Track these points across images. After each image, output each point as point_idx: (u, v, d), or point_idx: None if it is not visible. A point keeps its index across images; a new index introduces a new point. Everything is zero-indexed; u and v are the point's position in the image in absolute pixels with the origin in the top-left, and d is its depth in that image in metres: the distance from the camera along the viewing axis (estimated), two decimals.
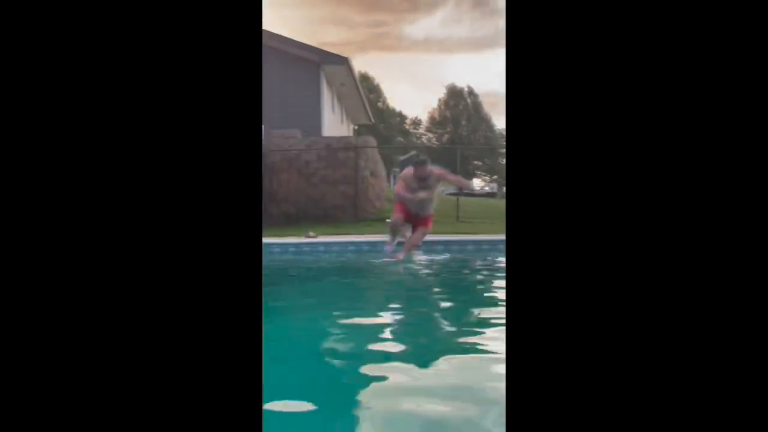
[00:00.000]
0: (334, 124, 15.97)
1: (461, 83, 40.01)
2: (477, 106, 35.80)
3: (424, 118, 41.10)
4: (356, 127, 23.73)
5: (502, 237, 8.26)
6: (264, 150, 11.59)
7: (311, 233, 8.89)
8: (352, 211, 11.52)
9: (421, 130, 39.81)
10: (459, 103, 36.11)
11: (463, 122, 35.14)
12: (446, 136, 35.22)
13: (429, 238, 6.97)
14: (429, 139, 37.84)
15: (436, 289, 4.04)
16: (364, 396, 1.44)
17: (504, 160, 36.09)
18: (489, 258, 6.21)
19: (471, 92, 36.48)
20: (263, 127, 11.51)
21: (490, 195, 30.33)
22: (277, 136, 11.74)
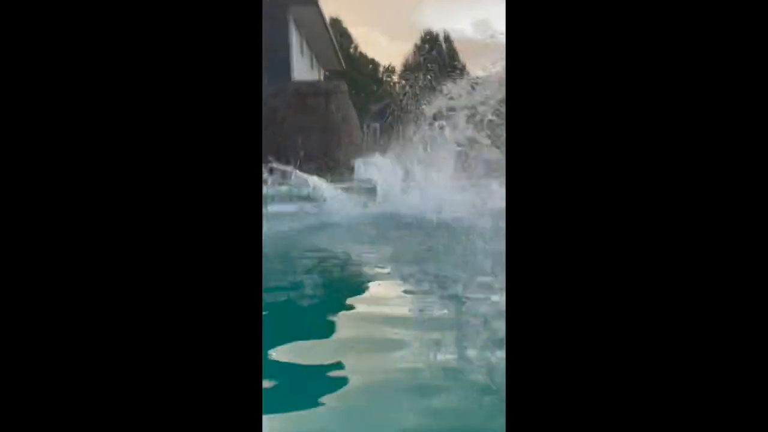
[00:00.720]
0: (303, 69, 15.25)
1: (437, 28, 39.04)
2: (453, 53, 35.00)
3: (398, 65, 40.13)
4: (326, 74, 22.88)
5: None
6: None
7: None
8: (323, 161, 11.06)
9: (395, 78, 38.95)
10: (433, 49, 35.24)
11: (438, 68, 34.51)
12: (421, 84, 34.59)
13: None
14: (403, 87, 37.16)
15: None
16: None
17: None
18: None
19: (447, 38, 35.62)
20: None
21: None
22: None
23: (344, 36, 33.18)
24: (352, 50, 33.50)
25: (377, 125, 30.59)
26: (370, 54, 45.66)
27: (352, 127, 12.04)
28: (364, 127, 25.07)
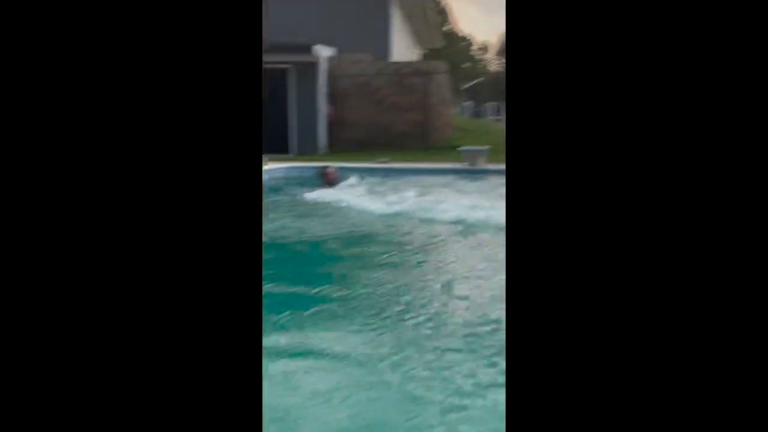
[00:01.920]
0: (402, 48, 15.56)
1: None
2: None
3: (493, 42, 39.19)
4: (424, 52, 23.01)
5: None
6: (333, 74, 11.53)
7: (383, 159, 8.96)
8: (420, 139, 11.43)
9: (489, 56, 38.14)
10: None
11: None
12: None
13: (502, 166, 6.94)
14: (495, 66, 36.24)
15: None
16: None
17: None
18: None
19: None
20: (332, 50, 11.40)
21: None
22: (345, 61, 11.61)
23: (441, 13, 32.94)
24: (447, 27, 33.21)
25: (468, 103, 30.31)
26: (466, 30, 44.87)
27: (448, 106, 12.26)
28: (457, 104, 25.02)
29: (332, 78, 11.57)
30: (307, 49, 10.80)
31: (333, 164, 6.88)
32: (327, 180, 6.10)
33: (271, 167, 8.11)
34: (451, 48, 31.16)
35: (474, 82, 32.35)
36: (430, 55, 23.59)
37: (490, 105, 30.60)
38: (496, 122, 23.10)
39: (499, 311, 2.22)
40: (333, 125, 11.52)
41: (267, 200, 5.57)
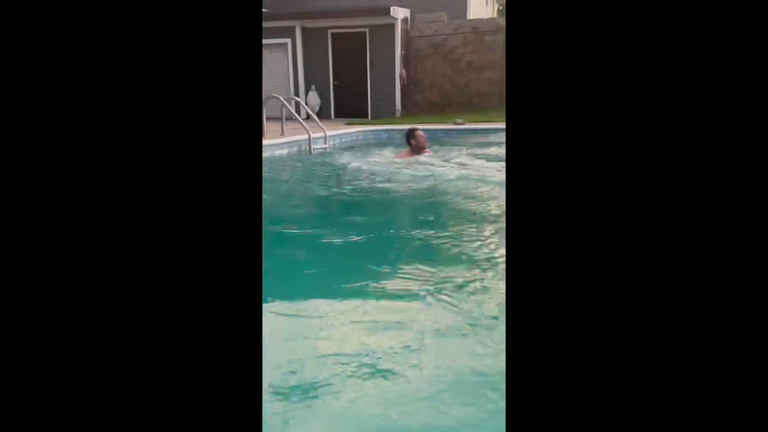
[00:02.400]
0: (478, 5, 15.13)
1: None
2: None
3: None
4: (500, 7, 22.18)
5: None
6: (408, 36, 11.49)
7: (459, 120, 8.94)
8: (497, 99, 11.24)
9: None
10: None
11: None
12: None
13: None
14: None
15: None
16: None
17: None
18: None
19: None
20: (408, 10, 11.32)
21: None
22: (421, 22, 11.51)
23: None
24: None
25: None
26: None
27: None
28: None
29: (408, 39, 11.54)
30: (384, 11, 10.81)
31: (410, 127, 6.93)
32: (417, 143, 5.80)
33: (349, 131, 8.33)
34: None
35: None
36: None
37: None
38: None
39: None
40: (406, 87, 11.55)
41: (360, 162, 5.74)
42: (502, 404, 0.75)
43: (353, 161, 5.84)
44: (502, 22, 11.60)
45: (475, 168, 5.00)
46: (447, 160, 5.42)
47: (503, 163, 5.05)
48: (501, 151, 6.34)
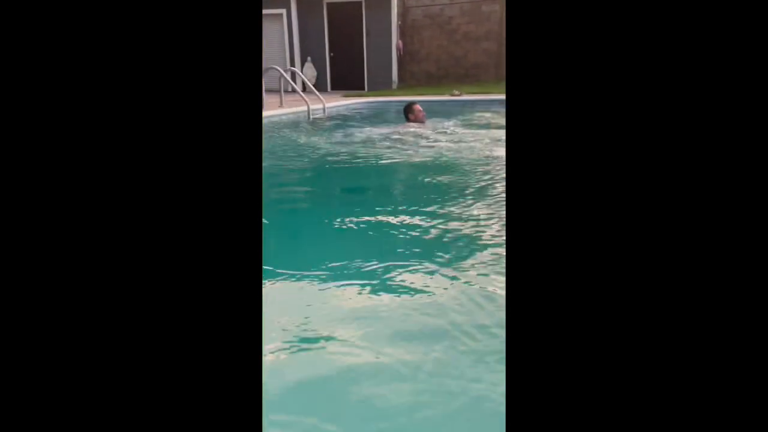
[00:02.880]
0: None
1: None
2: None
3: None
4: None
5: None
6: (405, 6, 11.38)
7: (456, 91, 8.97)
8: (494, 70, 11.23)
9: None
10: None
11: None
12: None
13: None
14: None
15: None
16: None
17: None
18: None
19: None
20: None
21: None
22: None
23: None
24: None
25: None
26: None
27: None
28: None
29: (405, 10, 11.44)
30: None
31: (406, 98, 6.93)
32: (415, 117, 5.81)
33: (347, 103, 8.36)
34: None
35: None
36: None
37: None
38: None
39: None
40: (403, 58, 11.50)
41: (363, 132, 5.78)
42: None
43: (352, 131, 5.90)
44: None
45: (470, 140, 5.09)
46: (444, 132, 5.50)
47: (502, 136, 5.14)
48: (497, 121, 6.42)
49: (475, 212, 2.91)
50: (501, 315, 1.68)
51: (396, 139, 5.25)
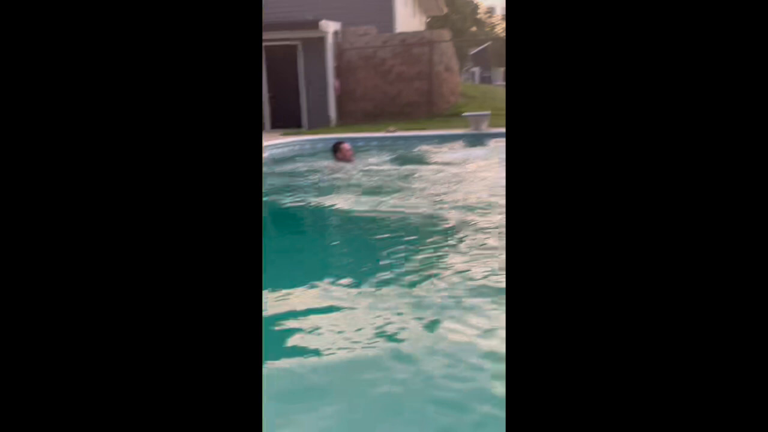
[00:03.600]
0: (406, 18, 15.75)
1: None
2: None
3: (498, 5, 38.76)
4: (428, 19, 23.03)
5: None
6: (340, 49, 11.89)
7: (391, 128, 9.41)
8: (426, 108, 11.82)
9: (495, 19, 37.70)
10: None
11: None
12: None
13: (503, 129, 7.44)
14: (503, 29, 35.92)
15: None
16: None
17: None
18: None
19: None
20: (338, 24, 11.72)
21: None
22: (351, 35, 11.94)
23: None
24: None
25: (476, 69, 30.18)
26: None
27: (453, 74, 12.57)
28: (464, 71, 24.98)
29: (340, 52, 11.93)
30: (314, 24, 11.16)
31: (345, 135, 7.12)
32: (342, 156, 5.93)
33: (285, 141, 8.60)
34: (457, 14, 30.92)
35: (481, 47, 32.17)
36: (435, 23, 23.55)
37: (497, 70, 30.46)
38: (502, 87, 23.09)
39: None
40: (340, 98, 11.94)
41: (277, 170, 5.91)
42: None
43: (283, 168, 6.02)
44: (429, 34, 12.23)
45: (393, 175, 5.34)
46: (369, 169, 5.66)
47: (425, 170, 5.47)
48: (425, 156, 6.82)
49: (390, 242, 2.99)
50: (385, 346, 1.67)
51: (322, 177, 5.36)
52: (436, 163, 6.19)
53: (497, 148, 6.74)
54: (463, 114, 9.65)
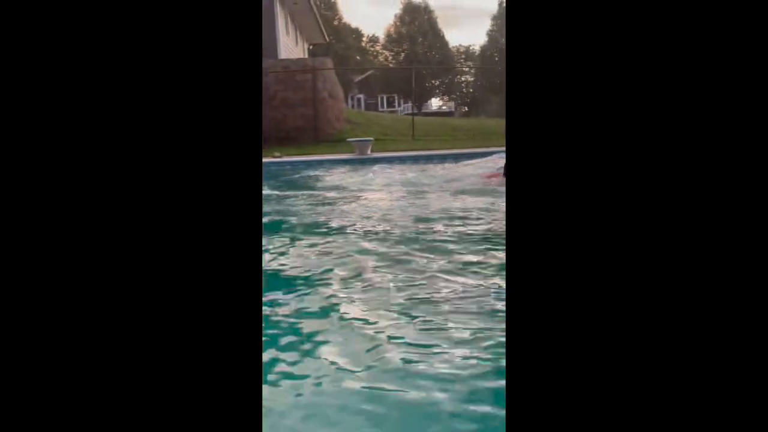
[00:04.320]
0: (288, 45, 15.87)
1: None
2: (433, 23, 35.13)
3: (381, 34, 40.33)
4: (311, 47, 23.34)
5: (451, 151, 9.06)
6: None
7: (276, 153, 9.38)
8: (311, 133, 11.95)
9: (378, 48, 39.12)
10: (415, 20, 35.41)
11: (420, 39, 34.76)
12: (403, 55, 34.89)
13: (387, 154, 7.67)
14: (386, 58, 37.36)
15: None
16: None
17: (461, 78, 36.05)
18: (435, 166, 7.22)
19: (426, 8, 35.62)
20: None
21: (448, 114, 30.86)
22: None
23: (329, 8, 33.24)
24: (336, 22, 33.63)
25: (361, 96, 31.06)
26: (354, 24, 45.51)
27: (338, 100, 12.85)
28: (349, 97, 25.58)
29: None
30: None
31: None
32: None
33: None
34: (341, 42, 31.67)
35: (365, 74, 33.18)
36: (319, 50, 23.95)
37: (382, 96, 31.59)
38: (387, 114, 23.98)
39: None
40: None
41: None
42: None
43: None
44: (311, 62, 12.43)
45: (272, 201, 5.41)
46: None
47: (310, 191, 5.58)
48: (309, 181, 6.92)
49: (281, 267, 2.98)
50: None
51: None
52: (321, 188, 6.32)
53: (379, 172, 7.04)
54: (349, 140, 9.90)
